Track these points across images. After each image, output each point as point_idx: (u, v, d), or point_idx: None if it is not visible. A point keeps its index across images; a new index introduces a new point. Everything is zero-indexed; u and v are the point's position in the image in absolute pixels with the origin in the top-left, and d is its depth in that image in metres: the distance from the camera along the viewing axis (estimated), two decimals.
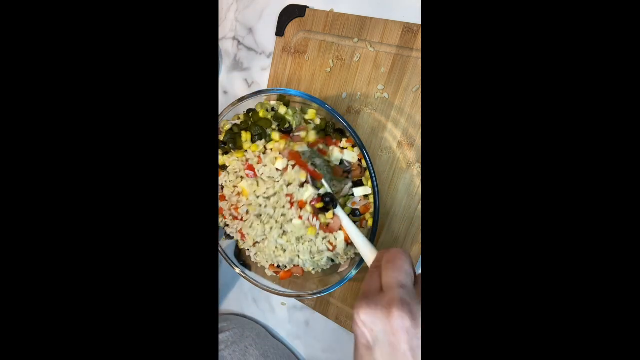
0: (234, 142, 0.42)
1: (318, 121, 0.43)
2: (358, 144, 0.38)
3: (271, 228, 0.40)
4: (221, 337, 0.52)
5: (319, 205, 0.38)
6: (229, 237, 0.46)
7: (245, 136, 0.41)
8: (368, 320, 0.26)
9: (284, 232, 0.40)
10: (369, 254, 0.35)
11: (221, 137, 0.43)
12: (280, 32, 0.49)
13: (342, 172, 0.41)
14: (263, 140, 0.41)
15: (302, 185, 0.38)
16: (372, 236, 0.38)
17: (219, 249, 0.46)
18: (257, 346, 0.52)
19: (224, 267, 0.61)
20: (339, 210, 0.38)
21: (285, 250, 0.41)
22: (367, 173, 0.40)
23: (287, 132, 0.41)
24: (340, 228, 0.39)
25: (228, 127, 0.43)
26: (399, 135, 0.42)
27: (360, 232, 0.37)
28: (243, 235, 0.43)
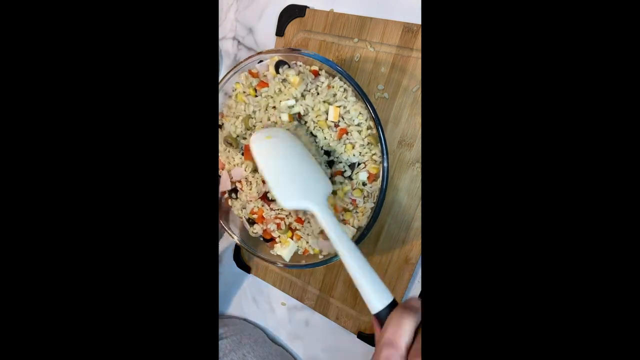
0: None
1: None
2: (361, 95, 0.36)
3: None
4: (219, 345, 0.52)
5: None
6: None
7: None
8: None
9: None
10: (374, 298, 0.26)
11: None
12: (280, 32, 0.49)
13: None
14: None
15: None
16: (373, 221, 0.36)
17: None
18: (255, 353, 0.52)
19: (224, 268, 0.61)
20: (327, 217, 0.30)
21: None
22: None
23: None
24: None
25: None
26: (399, 135, 0.42)
27: (367, 270, 0.27)
28: None
